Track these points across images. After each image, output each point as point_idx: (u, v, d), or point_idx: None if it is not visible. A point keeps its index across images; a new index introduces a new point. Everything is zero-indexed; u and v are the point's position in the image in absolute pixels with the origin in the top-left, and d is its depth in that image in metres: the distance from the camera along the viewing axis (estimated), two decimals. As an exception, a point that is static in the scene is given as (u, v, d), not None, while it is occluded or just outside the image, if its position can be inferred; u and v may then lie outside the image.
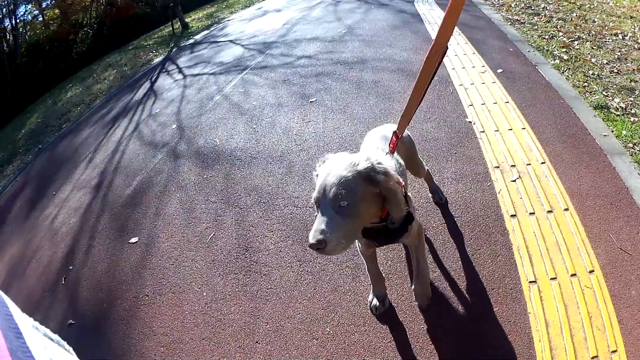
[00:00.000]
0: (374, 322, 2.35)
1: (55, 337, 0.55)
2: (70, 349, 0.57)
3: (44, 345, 0.49)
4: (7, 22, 18.70)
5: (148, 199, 4.21)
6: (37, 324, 0.52)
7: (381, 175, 1.46)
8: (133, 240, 3.66)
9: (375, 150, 2.01)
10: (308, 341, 2.37)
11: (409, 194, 1.77)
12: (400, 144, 2.15)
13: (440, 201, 2.97)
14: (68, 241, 4.11)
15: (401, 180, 1.57)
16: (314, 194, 1.49)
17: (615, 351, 1.95)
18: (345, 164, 1.47)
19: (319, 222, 1.40)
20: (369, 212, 1.52)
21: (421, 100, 1.64)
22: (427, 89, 1.60)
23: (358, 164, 1.46)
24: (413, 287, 2.20)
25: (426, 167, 2.75)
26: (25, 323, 0.48)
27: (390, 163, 1.61)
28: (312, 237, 1.38)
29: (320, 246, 1.37)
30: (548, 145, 3.34)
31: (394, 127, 1.87)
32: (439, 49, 1.45)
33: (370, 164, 1.46)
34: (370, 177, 1.45)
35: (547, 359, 1.98)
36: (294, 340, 2.39)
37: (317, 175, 1.56)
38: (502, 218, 2.78)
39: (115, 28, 16.80)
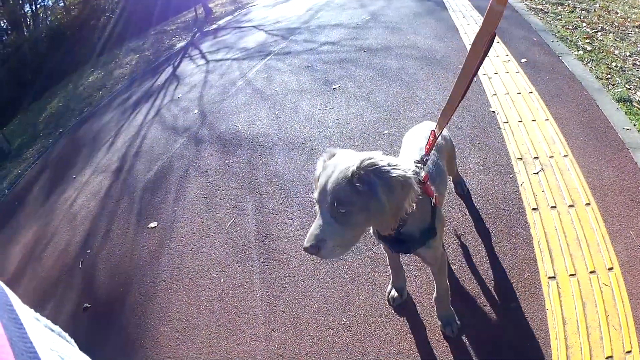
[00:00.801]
0: (391, 314, 2.36)
1: (57, 328, 0.56)
2: (72, 340, 0.58)
3: (45, 336, 0.49)
4: (27, 8, 18.87)
5: (168, 184, 4.25)
6: (38, 315, 0.53)
7: (364, 182, 1.32)
8: (152, 225, 3.70)
9: (418, 151, 1.93)
10: (324, 331, 2.38)
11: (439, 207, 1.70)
12: (444, 145, 2.10)
13: (463, 193, 2.95)
14: (86, 225, 4.18)
15: (416, 190, 1.42)
16: (315, 194, 1.42)
17: (630, 352, 1.93)
18: (343, 167, 1.35)
19: (316, 226, 1.37)
20: (370, 220, 1.43)
21: (465, 93, 1.46)
22: (471, 81, 1.42)
23: (349, 169, 1.34)
24: (436, 310, 2.20)
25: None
26: (26, 314, 0.48)
27: (409, 166, 1.44)
28: (307, 240, 1.36)
29: (313, 251, 1.35)
30: (571, 137, 3.29)
31: (433, 125, 1.76)
32: (486, 35, 1.28)
33: (354, 169, 1.33)
34: (354, 185, 1.33)
35: (563, 357, 1.96)
36: (310, 330, 2.41)
37: (319, 173, 1.45)
38: (524, 211, 2.75)
39: (137, 13, 16.80)
